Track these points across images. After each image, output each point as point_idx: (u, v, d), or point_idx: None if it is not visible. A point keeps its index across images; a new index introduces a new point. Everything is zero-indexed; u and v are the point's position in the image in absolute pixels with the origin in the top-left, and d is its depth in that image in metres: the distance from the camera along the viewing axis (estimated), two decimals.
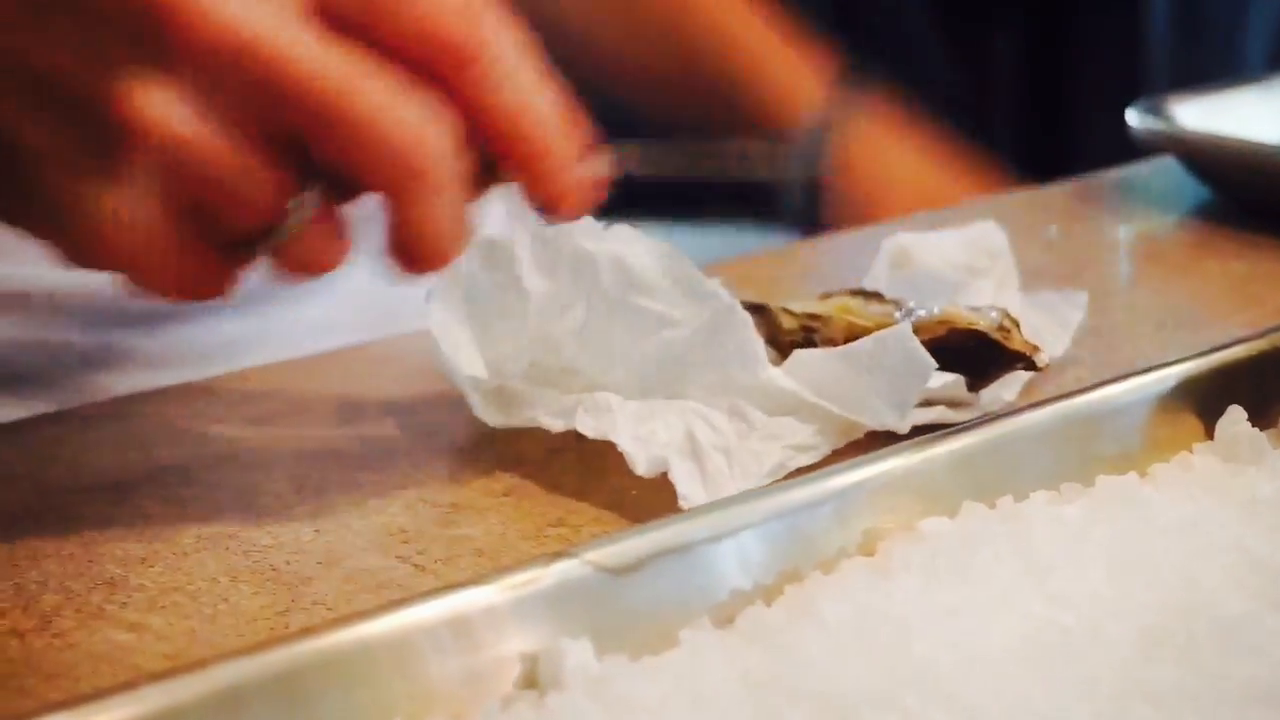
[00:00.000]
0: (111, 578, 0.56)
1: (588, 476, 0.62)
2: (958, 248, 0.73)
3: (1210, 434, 0.62)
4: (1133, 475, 0.59)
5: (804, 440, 0.62)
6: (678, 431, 0.60)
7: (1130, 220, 0.88)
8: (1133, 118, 0.89)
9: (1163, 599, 0.52)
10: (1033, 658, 0.49)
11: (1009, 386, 0.66)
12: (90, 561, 0.57)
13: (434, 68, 0.55)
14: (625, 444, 0.60)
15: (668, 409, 0.61)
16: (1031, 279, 0.78)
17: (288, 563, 0.58)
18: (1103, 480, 0.58)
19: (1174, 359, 0.64)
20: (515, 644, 0.49)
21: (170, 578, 0.56)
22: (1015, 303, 0.70)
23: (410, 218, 0.55)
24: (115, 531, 0.59)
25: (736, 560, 0.53)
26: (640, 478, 0.60)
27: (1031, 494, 0.58)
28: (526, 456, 0.64)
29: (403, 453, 0.65)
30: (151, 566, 0.57)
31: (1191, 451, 0.62)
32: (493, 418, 0.63)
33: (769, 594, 0.52)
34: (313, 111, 0.53)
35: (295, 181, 0.55)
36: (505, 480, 0.62)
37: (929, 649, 0.49)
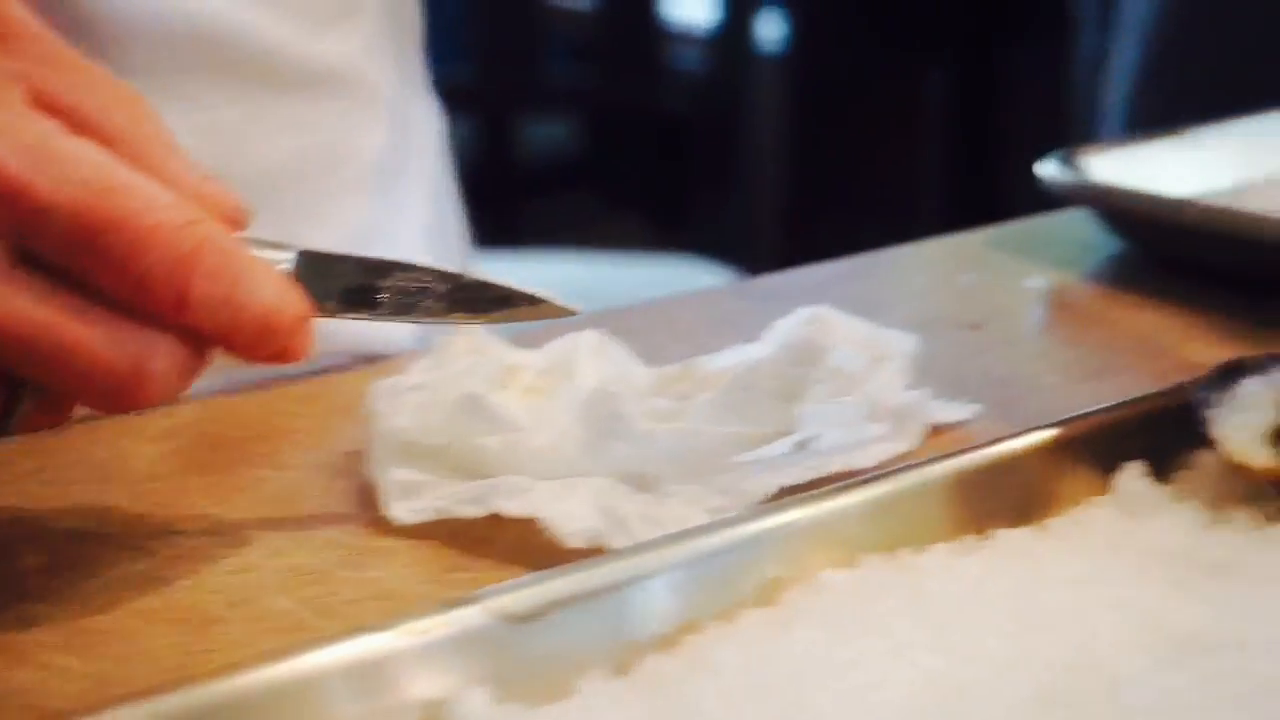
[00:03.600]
0: (22, 616, 0.56)
1: (494, 520, 0.62)
2: (872, 335, 0.73)
3: (1109, 488, 0.63)
4: (1030, 529, 0.60)
5: (718, 503, 0.62)
6: (596, 507, 0.61)
7: (1042, 270, 0.89)
8: (1045, 169, 0.90)
9: (1057, 655, 0.52)
10: (927, 711, 0.50)
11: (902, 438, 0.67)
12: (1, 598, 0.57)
13: (148, 308, 0.57)
14: (554, 520, 0.60)
15: (580, 486, 0.62)
16: (942, 326, 0.79)
17: (198, 603, 0.58)
18: (1000, 534, 0.59)
19: (1075, 413, 0.64)
20: (415, 690, 0.49)
21: (81, 617, 0.56)
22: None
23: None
24: (26, 567, 0.59)
25: (637, 609, 0.53)
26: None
27: (930, 546, 0.58)
28: None
29: (315, 494, 0.65)
30: (62, 605, 0.57)
31: (1090, 505, 0.62)
32: (401, 513, 0.63)
33: (668, 644, 0.53)
34: (16, 355, 0.56)
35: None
36: (414, 523, 0.62)
37: (824, 701, 0.49)
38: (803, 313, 0.74)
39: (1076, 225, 0.93)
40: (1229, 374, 0.63)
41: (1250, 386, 0.63)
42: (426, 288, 0.60)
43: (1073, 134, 2.09)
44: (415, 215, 0.94)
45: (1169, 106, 1.22)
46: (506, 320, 0.61)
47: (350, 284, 0.60)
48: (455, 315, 0.61)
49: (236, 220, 0.60)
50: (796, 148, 3.09)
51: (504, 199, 3.14)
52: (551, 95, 3.27)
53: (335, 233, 0.87)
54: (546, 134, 3.47)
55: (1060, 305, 0.87)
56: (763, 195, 3.14)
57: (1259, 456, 0.61)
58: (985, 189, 2.91)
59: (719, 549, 0.55)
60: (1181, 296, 0.84)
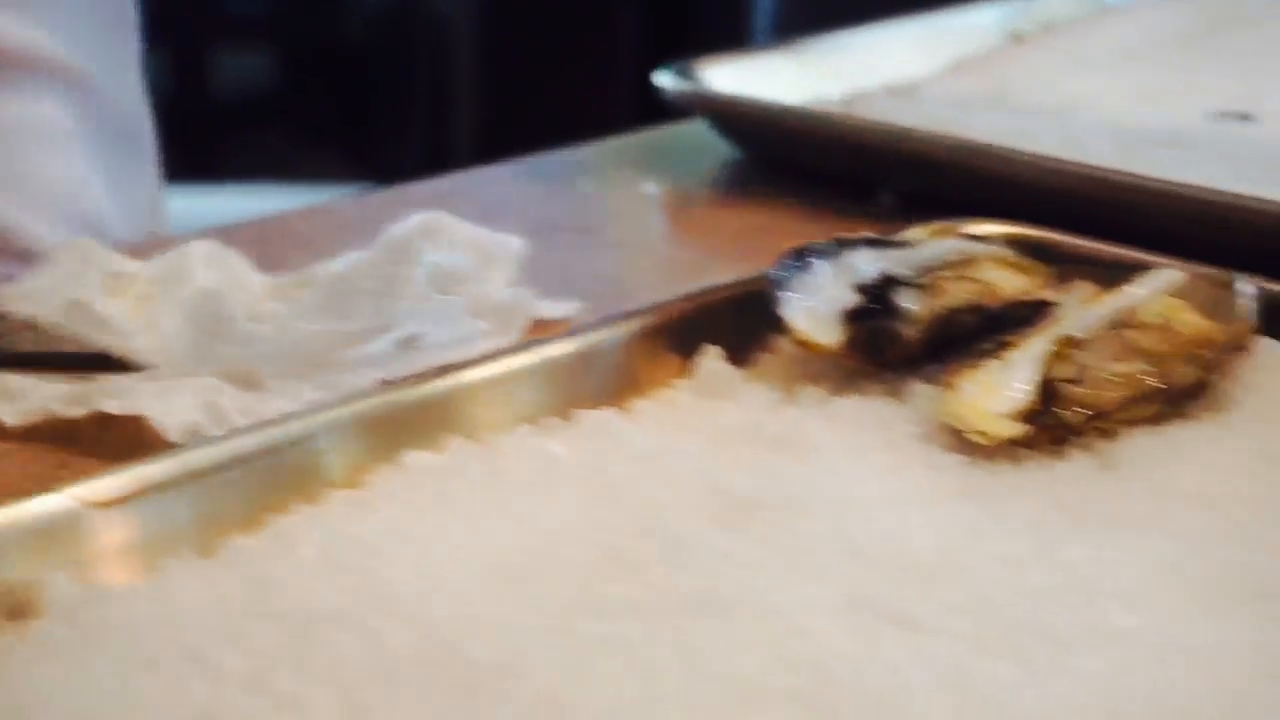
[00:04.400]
0: None
1: (104, 420, 0.63)
2: (482, 238, 0.76)
3: (691, 371, 0.66)
4: (611, 410, 0.63)
5: (319, 398, 0.65)
6: (199, 404, 0.63)
7: (659, 177, 0.92)
8: (662, 80, 0.93)
9: (623, 521, 0.56)
10: (495, 578, 0.52)
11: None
12: None
13: None
14: (157, 417, 0.62)
15: (185, 384, 0.64)
16: (557, 230, 0.82)
17: None
18: (582, 415, 0.62)
19: (658, 304, 0.67)
20: (4, 573, 0.51)
21: None
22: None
23: None
24: None
25: (225, 493, 0.55)
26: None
27: (514, 429, 0.61)
28: None
29: None
30: None
31: (671, 387, 0.65)
32: (7, 415, 0.64)
33: (252, 525, 0.55)
34: None
35: None
36: (23, 426, 0.64)
37: (398, 574, 0.52)
38: (414, 218, 0.76)
39: (696, 134, 0.96)
40: (800, 260, 0.67)
41: (819, 270, 0.66)
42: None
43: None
44: (103, 181, 0.95)
45: (807, 16, 1.26)
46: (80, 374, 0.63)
47: None
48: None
49: None
50: (487, 70, 3.10)
51: (198, 133, 3.10)
52: (241, 26, 3.25)
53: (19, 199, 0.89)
54: (239, 66, 3.44)
55: (673, 209, 0.90)
56: (456, 120, 3.14)
57: (825, 336, 0.65)
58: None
59: (305, 434, 0.57)
60: (787, 198, 0.88)
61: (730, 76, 0.96)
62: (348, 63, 3.35)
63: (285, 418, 0.59)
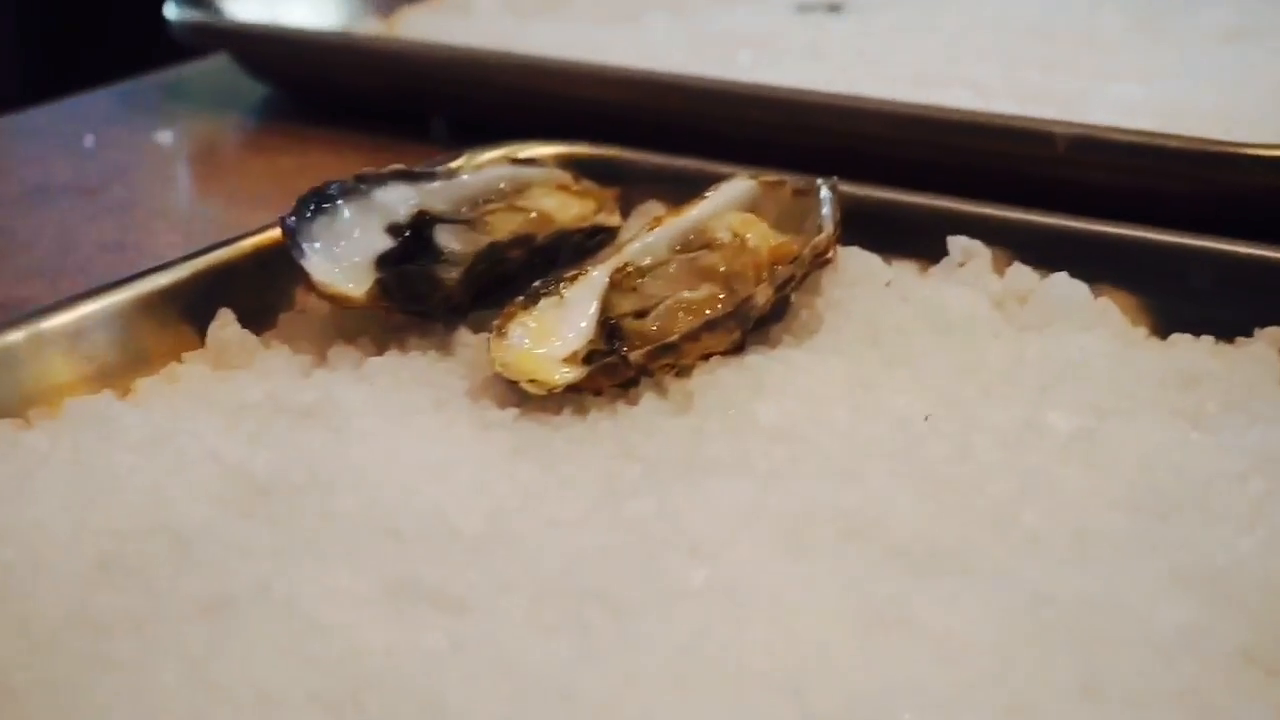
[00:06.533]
0: None
1: None
2: None
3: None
4: (107, 394, 0.60)
5: None
6: None
7: (177, 123, 0.89)
8: (172, 11, 0.90)
9: (120, 521, 0.53)
10: None
11: None
12: None
13: None
14: None
15: None
16: (57, 194, 0.79)
17: None
18: (71, 403, 0.59)
19: (160, 265, 0.64)
20: None
21: None
22: None
23: None
24: None
25: None
26: None
27: None
28: None
29: None
30: None
31: (181, 361, 0.62)
32: None
33: None
34: None
35: None
36: None
37: None
38: None
39: (219, 70, 0.93)
40: (320, 202, 0.64)
41: (343, 213, 0.64)
42: None
43: None
44: None
45: None
46: None
47: None
48: None
49: None
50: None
51: None
52: None
53: None
54: None
55: (194, 159, 0.87)
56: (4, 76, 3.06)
57: (353, 286, 0.62)
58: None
59: None
60: (321, 137, 0.86)
61: (252, 5, 0.93)
62: None
63: None
